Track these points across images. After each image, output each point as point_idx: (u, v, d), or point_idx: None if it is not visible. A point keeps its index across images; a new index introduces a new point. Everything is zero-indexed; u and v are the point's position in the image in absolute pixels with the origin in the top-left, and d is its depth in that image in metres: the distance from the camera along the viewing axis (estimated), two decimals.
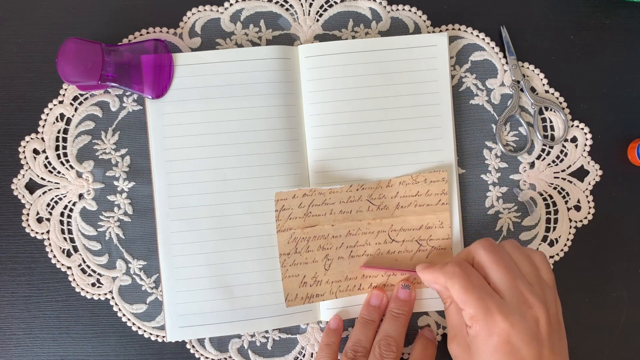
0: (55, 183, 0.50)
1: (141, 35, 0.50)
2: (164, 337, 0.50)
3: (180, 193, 0.49)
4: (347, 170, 0.49)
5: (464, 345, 0.42)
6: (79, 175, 0.50)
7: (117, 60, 0.48)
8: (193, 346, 0.50)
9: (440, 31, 0.51)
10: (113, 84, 0.48)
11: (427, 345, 0.48)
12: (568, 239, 0.51)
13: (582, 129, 0.52)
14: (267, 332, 0.50)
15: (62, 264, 0.50)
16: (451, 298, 0.44)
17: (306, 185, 0.50)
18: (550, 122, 0.51)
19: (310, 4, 0.51)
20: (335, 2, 0.51)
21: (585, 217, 0.51)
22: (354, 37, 0.51)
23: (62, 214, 0.50)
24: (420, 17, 0.51)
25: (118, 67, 0.48)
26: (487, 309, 0.40)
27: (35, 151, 0.50)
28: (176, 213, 0.49)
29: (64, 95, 0.50)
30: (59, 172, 0.50)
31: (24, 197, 0.50)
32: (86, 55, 0.46)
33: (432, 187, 0.49)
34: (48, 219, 0.50)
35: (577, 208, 0.51)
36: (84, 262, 0.50)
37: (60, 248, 0.50)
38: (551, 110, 0.51)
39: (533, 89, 0.51)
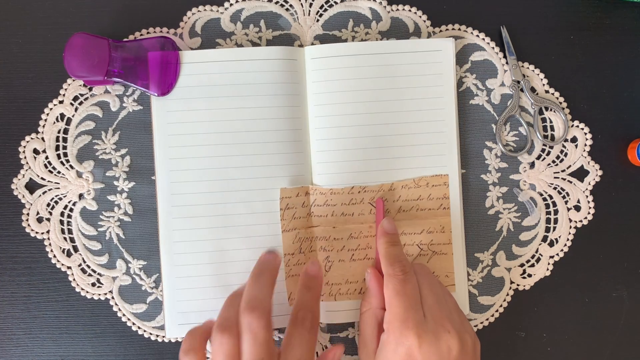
0: (56, 183, 0.50)
1: (141, 35, 0.50)
2: (164, 337, 0.50)
3: (183, 191, 0.49)
4: (351, 172, 0.49)
5: (371, 354, 0.43)
6: (79, 175, 0.50)
7: (124, 56, 0.48)
8: None
9: (440, 31, 0.51)
10: (119, 80, 0.48)
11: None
12: (568, 239, 0.51)
13: (582, 129, 0.52)
14: None
15: (62, 264, 0.50)
16: (371, 304, 0.45)
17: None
18: (550, 122, 0.51)
19: (310, 4, 0.51)
20: (335, 2, 0.51)
21: (585, 217, 0.51)
22: (354, 38, 0.51)
23: (62, 214, 0.50)
24: (420, 17, 0.51)
25: (124, 63, 0.48)
26: (405, 319, 0.40)
27: (36, 151, 0.50)
28: (178, 211, 0.49)
29: (64, 95, 0.50)
30: (59, 172, 0.50)
31: (24, 197, 0.50)
32: (93, 50, 0.46)
33: (434, 191, 0.49)
34: (48, 219, 0.50)
35: (577, 208, 0.51)
36: (84, 262, 0.50)
37: (60, 248, 0.50)
38: (551, 110, 0.51)
39: (533, 89, 0.51)
